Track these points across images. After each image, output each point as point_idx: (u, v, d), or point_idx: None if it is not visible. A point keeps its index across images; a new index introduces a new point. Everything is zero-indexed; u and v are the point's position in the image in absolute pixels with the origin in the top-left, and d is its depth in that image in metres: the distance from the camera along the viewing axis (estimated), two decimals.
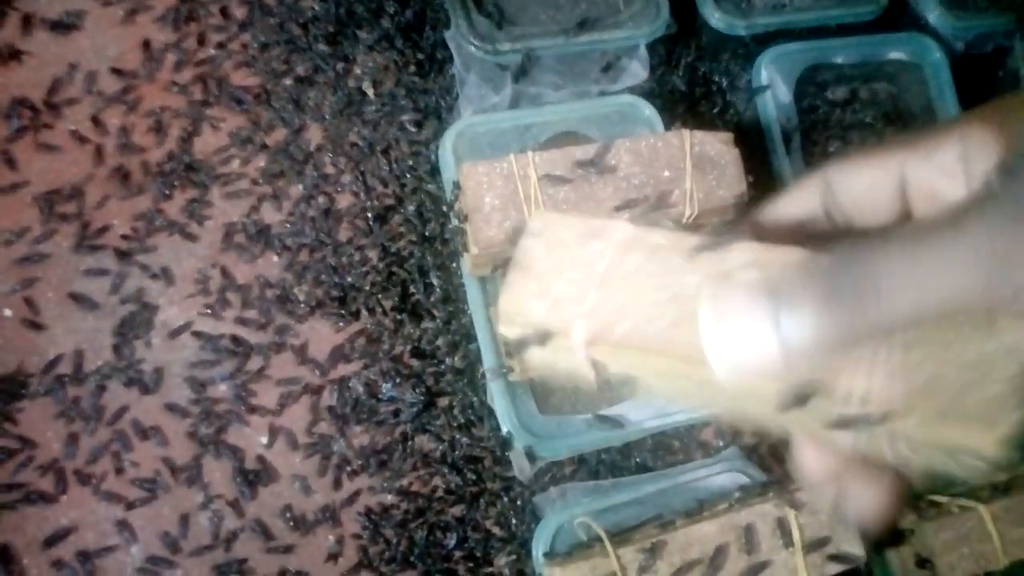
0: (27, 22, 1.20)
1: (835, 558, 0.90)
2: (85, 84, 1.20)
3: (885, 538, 0.97)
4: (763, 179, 1.18)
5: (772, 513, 0.92)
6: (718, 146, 0.99)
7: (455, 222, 1.02)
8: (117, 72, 1.21)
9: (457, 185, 0.98)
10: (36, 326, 1.10)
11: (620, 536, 0.93)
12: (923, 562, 0.95)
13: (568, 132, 1.14)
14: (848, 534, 0.91)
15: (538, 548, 0.97)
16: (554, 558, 0.94)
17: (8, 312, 1.10)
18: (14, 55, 1.19)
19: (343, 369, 1.14)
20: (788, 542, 0.90)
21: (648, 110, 1.15)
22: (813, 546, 0.90)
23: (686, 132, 0.99)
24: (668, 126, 1.13)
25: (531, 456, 1.05)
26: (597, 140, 1.08)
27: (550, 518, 0.99)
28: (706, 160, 0.99)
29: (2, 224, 1.13)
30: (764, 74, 1.24)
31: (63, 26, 1.21)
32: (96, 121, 1.18)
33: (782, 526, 0.91)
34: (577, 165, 0.96)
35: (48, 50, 1.20)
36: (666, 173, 0.98)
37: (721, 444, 1.20)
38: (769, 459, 1.18)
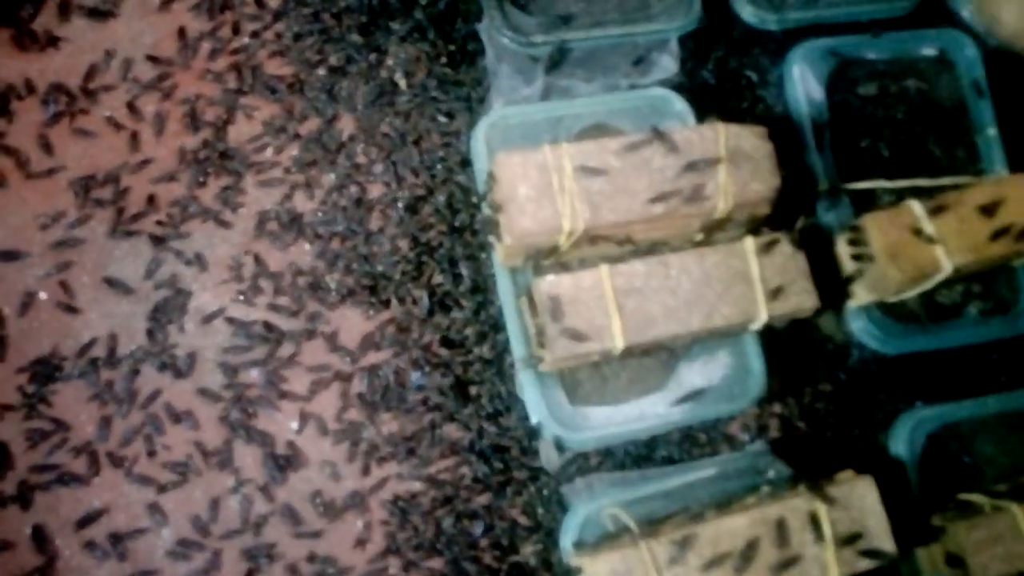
0: (64, 9, 1.21)
1: (867, 554, 0.90)
2: (121, 71, 1.20)
3: (916, 535, 0.97)
4: (795, 174, 1.18)
5: (803, 507, 0.91)
6: (753, 140, 0.99)
7: (488, 212, 1.02)
8: (153, 60, 1.22)
9: (492, 175, 0.98)
10: (71, 309, 1.11)
11: (650, 528, 0.93)
12: (954, 561, 0.94)
13: (599, 124, 1.14)
14: (879, 529, 0.91)
15: (567, 538, 0.98)
16: (584, 548, 0.94)
17: (44, 295, 1.11)
18: (51, 41, 1.20)
19: (373, 357, 1.14)
20: (819, 537, 0.90)
21: (680, 104, 1.15)
22: (844, 541, 0.90)
23: (720, 125, 0.99)
24: (698, 120, 1.13)
25: (560, 447, 1.06)
26: (629, 132, 1.08)
27: (578, 508, 1.00)
28: (740, 154, 0.99)
29: (38, 208, 1.14)
30: (795, 70, 1.24)
31: (100, 13, 1.22)
32: (132, 108, 1.19)
33: (813, 521, 0.91)
34: (619, 152, 0.96)
35: (85, 37, 1.21)
36: (701, 166, 0.98)
37: (747, 438, 1.20)
38: (796, 453, 1.18)
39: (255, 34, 1.25)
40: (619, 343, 0.95)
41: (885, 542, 0.91)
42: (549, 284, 0.95)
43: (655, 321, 0.95)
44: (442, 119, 1.25)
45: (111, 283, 1.12)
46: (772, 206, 1.02)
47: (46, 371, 1.08)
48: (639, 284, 0.96)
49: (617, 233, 0.98)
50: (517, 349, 1.04)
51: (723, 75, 1.33)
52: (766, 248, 1.00)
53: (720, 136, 0.98)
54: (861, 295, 1.09)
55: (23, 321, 1.10)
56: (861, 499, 0.92)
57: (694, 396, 1.00)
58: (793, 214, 1.12)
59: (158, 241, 1.15)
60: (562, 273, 0.97)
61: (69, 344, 1.10)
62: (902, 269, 1.03)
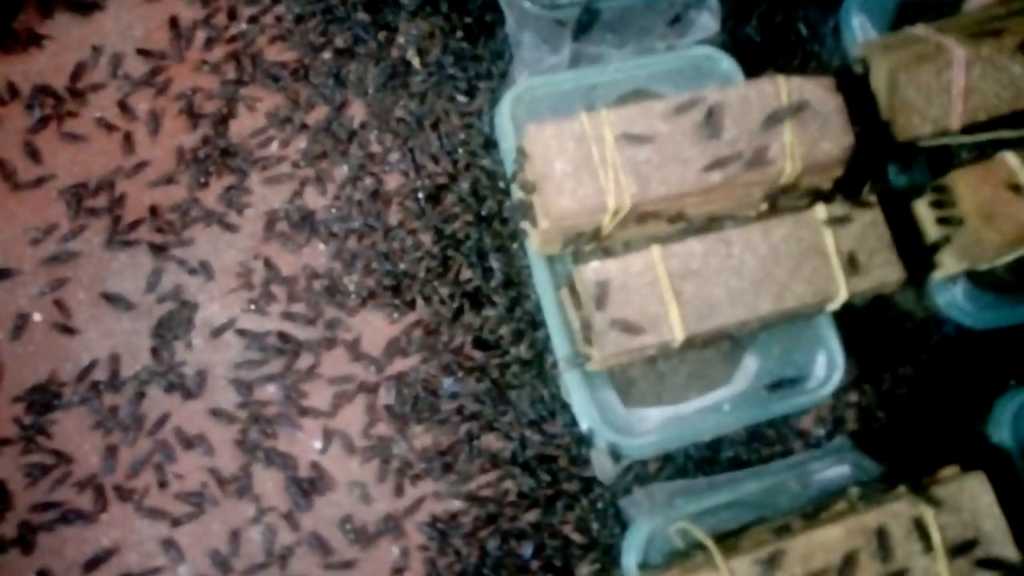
0: (46, 4, 1.12)
1: (985, 564, 0.77)
2: (110, 68, 1.11)
3: None
4: (859, 135, 1.05)
5: (905, 512, 0.79)
6: (820, 92, 0.87)
7: (519, 195, 0.91)
8: (144, 53, 1.12)
9: (522, 151, 0.87)
10: (68, 330, 1.02)
11: (727, 543, 0.81)
12: None
13: (638, 90, 1.02)
14: (998, 534, 0.78)
15: (630, 558, 0.86)
16: (651, 570, 0.82)
17: (38, 316, 1.02)
18: (34, 40, 1.10)
19: (400, 364, 1.04)
20: (927, 546, 0.78)
21: (727, 62, 1.03)
22: (957, 550, 0.78)
23: (781, 78, 0.87)
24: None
25: (615, 455, 0.94)
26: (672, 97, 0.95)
27: (641, 523, 0.88)
28: (807, 109, 0.86)
29: (28, 221, 1.05)
30: (854, 19, 1.11)
31: (84, 6, 1.12)
32: (123, 107, 1.10)
33: (919, 528, 0.78)
34: (667, 115, 0.84)
35: (70, 33, 1.12)
36: (762, 126, 0.85)
37: (823, 432, 1.08)
38: (880, 447, 1.05)
39: (253, 19, 1.15)
40: (678, 334, 0.83)
41: (1007, 549, 0.78)
42: (594, 271, 0.83)
43: (718, 306, 0.83)
44: (461, 98, 1.14)
45: (110, 299, 1.03)
46: (845, 167, 0.89)
47: (44, 399, 0.99)
48: (697, 265, 0.84)
49: (669, 208, 0.86)
50: (560, 347, 0.92)
51: (769, 31, 1.20)
52: (841, 216, 0.88)
53: (782, 90, 0.86)
54: (949, 264, 0.96)
55: (17, 345, 1.01)
56: (973, 500, 0.79)
57: (785, 385, 0.88)
58: (859, 178, 1.00)
59: (159, 250, 1.05)
60: (607, 258, 0.85)
61: (68, 368, 1.00)
62: (1000, 231, 0.90)
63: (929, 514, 0.79)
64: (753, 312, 0.84)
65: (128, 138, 1.09)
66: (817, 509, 0.85)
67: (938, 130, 0.97)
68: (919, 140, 0.98)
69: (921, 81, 0.96)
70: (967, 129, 0.99)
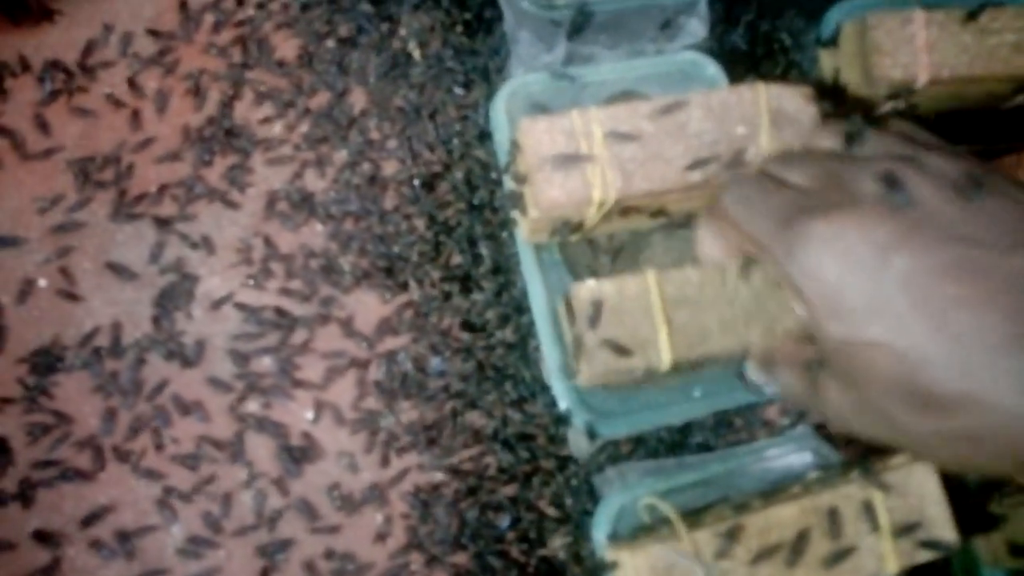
0: None
1: (926, 544, 0.83)
2: (120, 46, 1.15)
3: (975, 523, 0.90)
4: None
5: (856, 495, 0.85)
6: (797, 101, 0.92)
7: (512, 185, 0.96)
8: (154, 34, 1.16)
9: (515, 144, 0.92)
10: (72, 297, 1.06)
11: (691, 519, 0.86)
12: (1018, 550, 0.88)
13: (626, 91, 1.08)
14: (939, 518, 0.85)
15: (600, 530, 0.92)
16: (620, 541, 0.88)
17: (43, 282, 1.06)
18: (46, 15, 1.14)
19: (391, 342, 1.08)
20: (874, 526, 0.84)
21: (712, 68, 1.08)
22: (902, 531, 0.84)
23: (760, 85, 0.92)
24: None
25: (591, 434, 0.99)
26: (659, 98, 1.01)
27: (612, 498, 0.93)
28: (783, 116, 0.92)
29: (36, 191, 1.08)
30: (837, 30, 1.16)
31: None
32: (132, 84, 1.13)
33: (868, 509, 0.84)
34: (653, 116, 0.89)
35: (81, 10, 1.15)
36: (740, 129, 0.91)
37: (787, 422, 1.14)
38: (841, 437, 1.12)
39: (260, 5, 1.19)
40: (666, 359, 0.84)
41: (946, 532, 0.84)
42: (588, 290, 0.85)
43: (710, 335, 0.84)
44: (458, 91, 1.18)
45: (114, 268, 1.07)
46: None
47: (47, 362, 1.03)
48: (692, 293, 0.85)
49: (651, 204, 0.92)
50: (543, 333, 0.97)
51: (755, 39, 1.26)
52: None
53: (761, 97, 0.91)
54: None
55: (22, 310, 1.05)
56: (920, 486, 0.85)
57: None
58: None
59: (163, 224, 1.09)
60: (603, 279, 0.86)
61: (71, 333, 1.04)
62: None
63: (878, 497, 0.85)
64: (742, 343, 0.85)
65: (136, 115, 1.13)
66: (776, 490, 0.91)
67: (908, 77, 1.01)
68: (891, 85, 1.02)
69: (888, 26, 1.01)
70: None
